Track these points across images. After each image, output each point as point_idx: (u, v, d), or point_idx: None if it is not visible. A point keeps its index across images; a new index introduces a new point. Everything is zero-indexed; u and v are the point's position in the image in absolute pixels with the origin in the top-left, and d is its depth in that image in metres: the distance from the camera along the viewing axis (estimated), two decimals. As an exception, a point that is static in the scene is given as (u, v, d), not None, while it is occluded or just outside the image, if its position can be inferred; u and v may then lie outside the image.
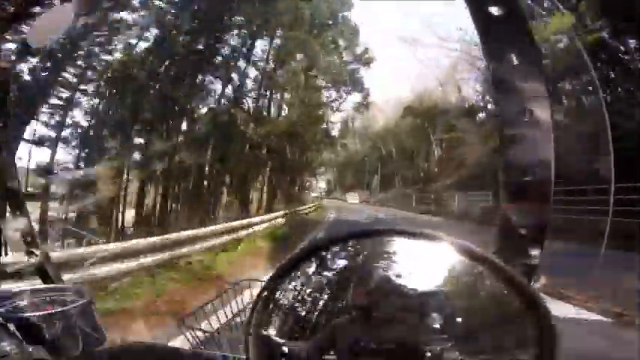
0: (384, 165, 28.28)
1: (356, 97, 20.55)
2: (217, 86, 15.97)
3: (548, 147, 0.34)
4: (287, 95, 18.95)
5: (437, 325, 0.38)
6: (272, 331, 0.43)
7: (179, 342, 0.86)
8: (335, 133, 22.70)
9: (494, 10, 0.33)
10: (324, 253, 0.43)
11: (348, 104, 20.73)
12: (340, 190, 33.35)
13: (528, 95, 0.33)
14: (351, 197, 29.65)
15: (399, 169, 26.74)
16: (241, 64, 16.83)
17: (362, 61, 19.87)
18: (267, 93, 18.49)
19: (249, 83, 17.67)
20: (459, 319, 0.39)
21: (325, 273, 0.43)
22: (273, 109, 18.99)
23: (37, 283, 0.77)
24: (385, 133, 27.57)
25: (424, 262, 0.39)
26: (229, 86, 16.41)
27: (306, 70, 18.32)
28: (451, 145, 20.22)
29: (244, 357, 0.43)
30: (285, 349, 0.42)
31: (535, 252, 0.38)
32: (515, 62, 0.33)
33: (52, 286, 0.73)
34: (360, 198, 29.07)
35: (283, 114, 19.36)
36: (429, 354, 0.38)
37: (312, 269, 0.43)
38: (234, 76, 16.76)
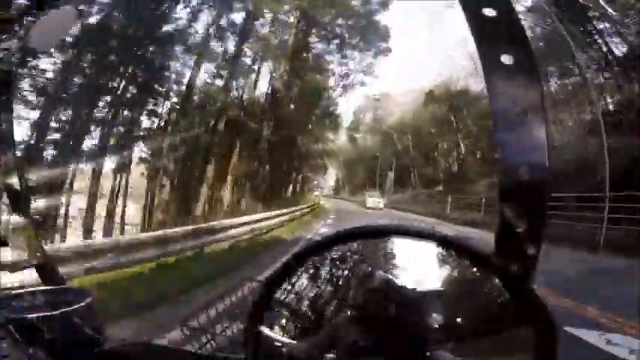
0: (399, 161, 22.28)
1: (366, 58, 14.66)
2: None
3: (543, 147, 0.34)
4: (271, 58, 13.25)
5: (436, 325, 0.38)
6: (272, 331, 0.43)
7: (179, 342, 0.87)
8: (338, 110, 16.86)
9: (489, 12, 0.34)
10: (324, 253, 0.43)
11: (356, 68, 14.70)
12: (348, 189, 27.60)
13: (523, 97, 0.34)
14: (372, 200, 20.36)
15: (418, 166, 21.12)
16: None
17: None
18: (242, 49, 12.85)
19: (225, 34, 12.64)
20: (458, 320, 0.39)
21: (325, 272, 0.43)
22: (247, 72, 13.28)
23: (38, 284, 0.78)
24: (402, 125, 22.38)
25: (424, 262, 0.40)
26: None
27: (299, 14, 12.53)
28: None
29: (244, 357, 0.43)
30: (285, 348, 0.42)
31: (533, 252, 0.38)
32: (510, 64, 0.34)
33: (52, 287, 0.73)
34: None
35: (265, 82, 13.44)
36: (428, 354, 0.38)
37: (312, 269, 0.43)
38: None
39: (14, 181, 0.76)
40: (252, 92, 14.04)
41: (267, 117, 13.73)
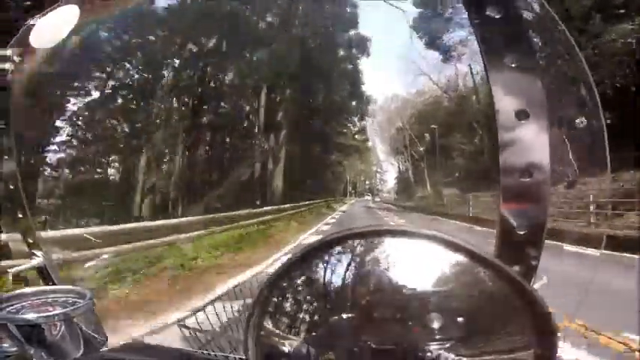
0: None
1: None
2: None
3: (545, 149, 0.34)
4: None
5: (436, 326, 0.38)
6: (272, 331, 0.43)
7: (180, 342, 0.87)
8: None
9: (492, 13, 0.34)
10: (324, 253, 0.43)
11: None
12: (432, 188, 12.42)
13: (525, 97, 0.34)
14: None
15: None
16: None
17: None
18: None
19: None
20: (458, 320, 0.39)
21: (325, 273, 0.43)
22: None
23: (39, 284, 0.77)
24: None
25: (423, 262, 0.40)
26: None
27: None
28: None
29: (244, 357, 0.43)
30: (285, 349, 0.42)
31: (534, 253, 0.38)
32: (513, 65, 0.34)
33: (53, 287, 0.73)
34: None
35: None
36: (428, 354, 0.38)
37: (311, 269, 0.43)
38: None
39: (15, 182, 0.76)
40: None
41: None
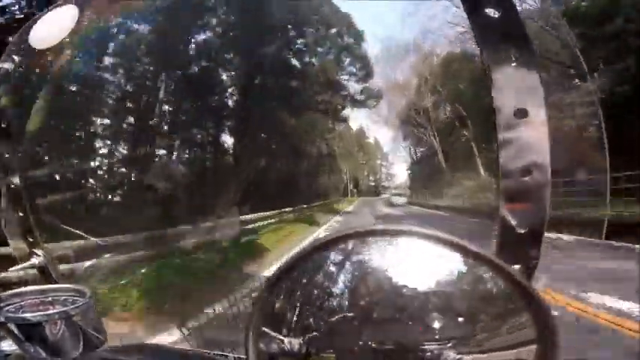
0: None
1: None
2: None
3: (544, 148, 0.34)
4: None
5: (436, 325, 0.38)
6: (272, 332, 0.43)
7: (180, 342, 0.87)
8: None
9: (491, 12, 0.34)
10: (324, 253, 0.43)
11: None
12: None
13: (525, 97, 0.34)
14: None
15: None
16: None
17: None
18: None
19: None
20: (459, 319, 0.39)
21: (325, 272, 0.43)
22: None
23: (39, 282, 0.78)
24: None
25: (424, 262, 0.40)
26: None
27: None
28: None
29: (244, 357, 0.43)
30: (285, 349, 0.42)
31: (534, 252, 0.38)
32: (513, 64, 0.34)
33: (52, 286, 0.74)
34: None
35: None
36: (428, 354, 0.38)
37: (312, 269, 0.43)
38: None
39: (15, 179, 0.76)
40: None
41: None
